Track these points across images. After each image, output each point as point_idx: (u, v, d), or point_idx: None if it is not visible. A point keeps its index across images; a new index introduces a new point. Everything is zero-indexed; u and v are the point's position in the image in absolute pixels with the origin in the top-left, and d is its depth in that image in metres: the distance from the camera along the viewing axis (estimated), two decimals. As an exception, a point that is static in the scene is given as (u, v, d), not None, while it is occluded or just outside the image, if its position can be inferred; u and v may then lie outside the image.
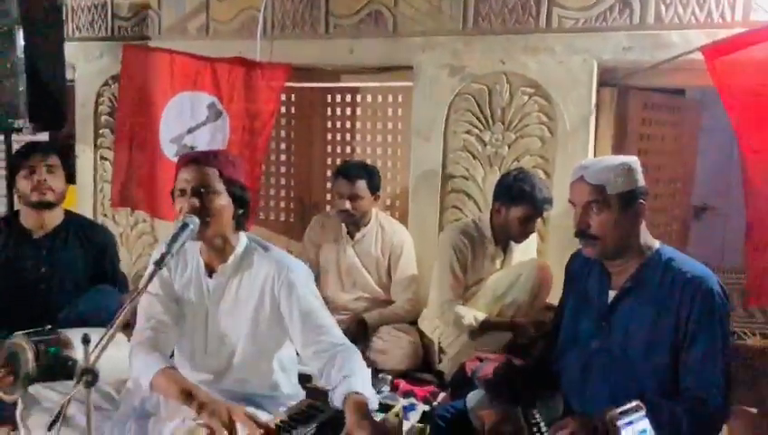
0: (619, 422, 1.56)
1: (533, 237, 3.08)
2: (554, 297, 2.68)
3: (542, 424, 1.95)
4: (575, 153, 2.99)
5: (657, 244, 2.01)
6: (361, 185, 3.19)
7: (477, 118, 3.23)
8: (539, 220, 2.98)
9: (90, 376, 1.57)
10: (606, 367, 2.02)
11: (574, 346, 2.13)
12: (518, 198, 2.81)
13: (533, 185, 2.81)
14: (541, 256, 3.12)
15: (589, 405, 2.00)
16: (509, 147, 3.20)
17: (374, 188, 3.24)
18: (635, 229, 1.98)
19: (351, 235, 3.32)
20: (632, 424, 1.57)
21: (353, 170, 3.22)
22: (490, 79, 3.20)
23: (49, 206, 2.86)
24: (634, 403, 1.59)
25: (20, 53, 3.38)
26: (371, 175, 3.24)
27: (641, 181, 1.97)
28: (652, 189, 2.00)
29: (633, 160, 1.99)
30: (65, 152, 3.04)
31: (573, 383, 2.10)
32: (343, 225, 3.31)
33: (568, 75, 3.07)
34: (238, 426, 1.82)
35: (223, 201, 2.02)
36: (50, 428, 1.76)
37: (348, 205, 3.19)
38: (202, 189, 1.99)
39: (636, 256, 1.99)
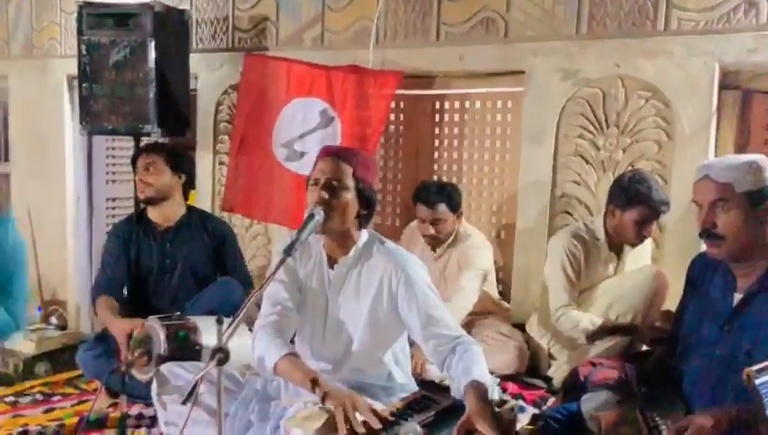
0: (757, 381, 1.51)
1: (648, 243, 3.00)
2: (670, 305, 2.60)
3: (662, 427, 1.91)
4: (694, 158, 2.89)
5: (787, 246, 1.93)
6: (442, 208, 3.19)
7: (591, 122, 3.19)
8: (655, 226, 2.91)
9: (222, 355, 1.67)
10: (730, 373, 1.95)
11: (696, 351, 2.08)
12: (634, 200, 2.75)
13: (650, 186, 2.75)
14: (656, 263, 3.03)
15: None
16: (624, 151, 3.14)
17: (455, 207, 3.22)
18: (763, 230, 1.91)
19: (434, 248, 3.35)
20: None
21: (432, 195, 3.20)
22: (604, 83, 3.16)
23: (151, 201, 3.05)
24: None
25: (151, 63, 3.63)
26: (450, 196, 3.21)
27: None
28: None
29: (762, 158, 1.92)
30: (171, 150, 3.19)
31: (695, 389, 2.04)
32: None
33: (687, 78, 2.99)
34: (357, 415, 1.88)
35: (349, 198, 2.10)
36: (184, 402, 1.88)
37: (432, 230, 3.21)
38: (334, 183, 2.09)
39: (764, 257, 1.92)
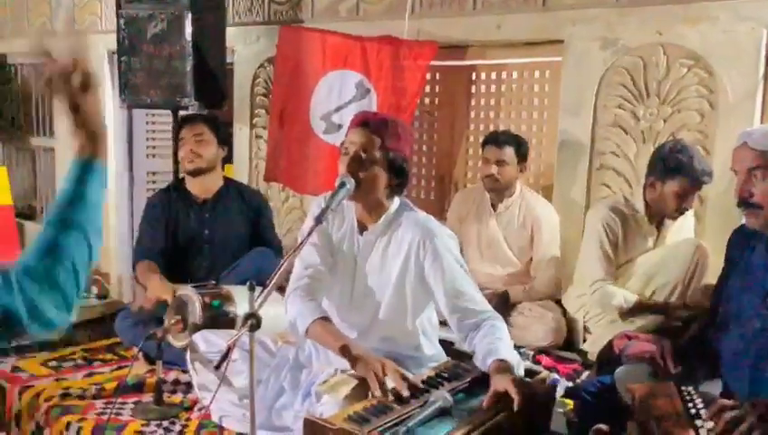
0: None
1: (690, 216, 2.92)
2: (711, 280, 2.54)
3: (697, 401, 1.87)
4: (738, 128, 2.74)
5: (828, 216, 1.86)
6: (509, 151, 3.19)
7: (631, 92, 3.10)
8: (696, 200, 2.84)
9: (254, 320, 1.68)
10: (769, 347, 1.91)
11: (735, 325, 2.03)
12: (675, 171, 2.67)
13: (691, 156, 2.67)
14: (698, 237, 2.95)
15: (749, 386, 1.90)
16: (665, 121, 3.04)
17: (521, 157, 3.22)
18: None
19: (494, 206, 3.31)
20: None
21: (502, 137, 3.24)
22: (645, 51, 3.06)
23: (199, 172, 3.08)
24: None
25: (188, 36, 3.65)
26: (520, 144, 3.22)
27: None
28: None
29: None
30: (216, 121, 3.21)
31: (733, 363, 2.00)
32: (487, 196, 3.31)
33: (732, 46, 2.88)
34: (387, 380, 1.89)
35: (376, 170, 2.10)
36: (217, 367, 1.91)
37: (494, 169, 3.20)
38: (362, 155, 2.08)
39: (805, 227, 1.86)
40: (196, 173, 3.08)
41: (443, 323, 2.39)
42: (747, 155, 1.88)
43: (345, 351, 1.98)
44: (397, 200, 2.20)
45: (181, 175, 3.31)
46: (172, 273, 3.00)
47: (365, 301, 2.22)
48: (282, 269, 1.85)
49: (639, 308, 2.81)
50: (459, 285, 2.10)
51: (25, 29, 5.70)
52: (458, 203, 3.50)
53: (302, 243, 1.94)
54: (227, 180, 3.22)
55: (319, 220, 1.95)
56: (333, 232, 2.25)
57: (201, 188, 3.12)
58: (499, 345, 1.97)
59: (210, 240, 3.09)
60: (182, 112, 3.70)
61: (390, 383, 1.87)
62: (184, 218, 3.10)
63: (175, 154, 3.85)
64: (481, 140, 3.43)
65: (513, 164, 3.21)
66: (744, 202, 1.90)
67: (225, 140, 3.19)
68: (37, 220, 6.10)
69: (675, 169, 2.68)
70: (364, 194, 2.11)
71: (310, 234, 1.95)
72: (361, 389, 1.89)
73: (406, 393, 1.84)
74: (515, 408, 1.76)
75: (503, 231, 3.29)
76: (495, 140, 3.23)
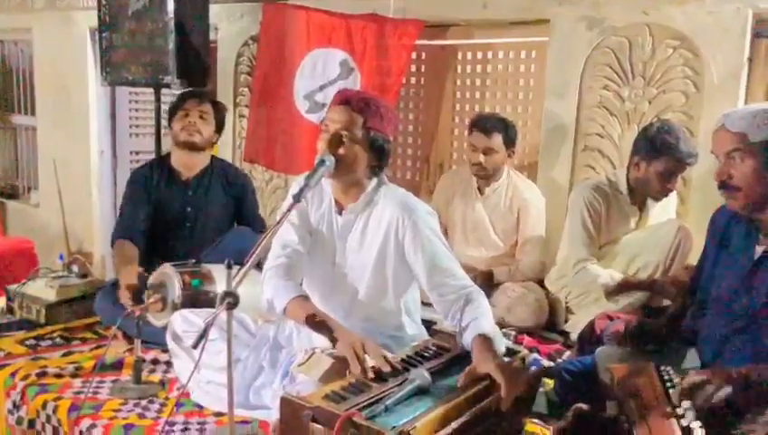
0: None
1: (673, 198, 2.92)
2: (694, 260, 2.54)
3: (675, 380, 1.87)
4: (723, 109, 2.73)
5: (811, 196, 1.86)
6: (497, 139, 3.13)
7: (616, 72, 3.09)
8: (679, 181, 2.83)
9: (232, 299, 1.66)
10: (749, 327, 1.91)
11: (715, 305, 2.03)
12: (661, 151, 2.65)
13: (678, 137, 2.65)
14: (681, 218, 2.96)
15: (727, 365, 1.90)
16: (649, 103, 3.04)
17: (510, 143, 3.17)
18: None
19: (481, 190, 3.29)
20: None
21: (490, 123, 3.16)
22: (631, 31, 3.05)
23: (194, 147, 3.03)
24: None
25: (170, 13, 3.58)
26: (507, 129, 3.16)
27: None
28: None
29: None
30: (218, 107, 3.18)
31: (712, 343, 2.01)
32: (474, 179, 3.28)
33: (718, 26, 2.87)
34: (367, 358, 1.87)
35: (356, 150, 2.06)
36: (195, 345, 1.89)
37: (481, 158, 3.15)
38: (342, 132, 2.05)
39: (787, 209, 1.86)
40: (189, 146, 3.02)
41: (425, 303, 2.39)
42: (725, 138, 1.87)
43: (311, 320, 1.97)
44: (375, 180, 2.17)
45: (166, 151, 3.27)
46: (153, 251, 2.97)
47: (346, 281, 2.20)
48: (260, 248, 1.82)
49: (626, 286, 2.81)
50: (439, 261, 2.08)
51: (5, 4, 5.61)
52: (444, 184, 3.48)
53: (280, 221, 1.91)
54: (213, 159, 3.18)
55: (297, 198, 1.92)
56: (312, 212, 2.22)
57: (186, 165, 3.08)
58: (481, 320, 1.95)
59: (192, 218, 3.06)
60: (179, 90, 3.63)
61: (370, 362, 1.86)
62: (167, 196, 3.06)
63: (157, 133, 3.81)
64: (467, 121, 3.40)
65: (501, 151, 3.16)
66: (724, 185, 1.90)
67: (220, 127, 3.15)
68: (20, 199, 6.04)
69: (661, 149, 2.67)
70: (343, 173, 2.07)
71: (288, 212, 1.92)
72: (338, 368, 1.88)
73: (387, 369, 1.83)
74: (504, 394, 1.73)
75: (489, 214, 3.27)
76: (483, 127, 3.15)
